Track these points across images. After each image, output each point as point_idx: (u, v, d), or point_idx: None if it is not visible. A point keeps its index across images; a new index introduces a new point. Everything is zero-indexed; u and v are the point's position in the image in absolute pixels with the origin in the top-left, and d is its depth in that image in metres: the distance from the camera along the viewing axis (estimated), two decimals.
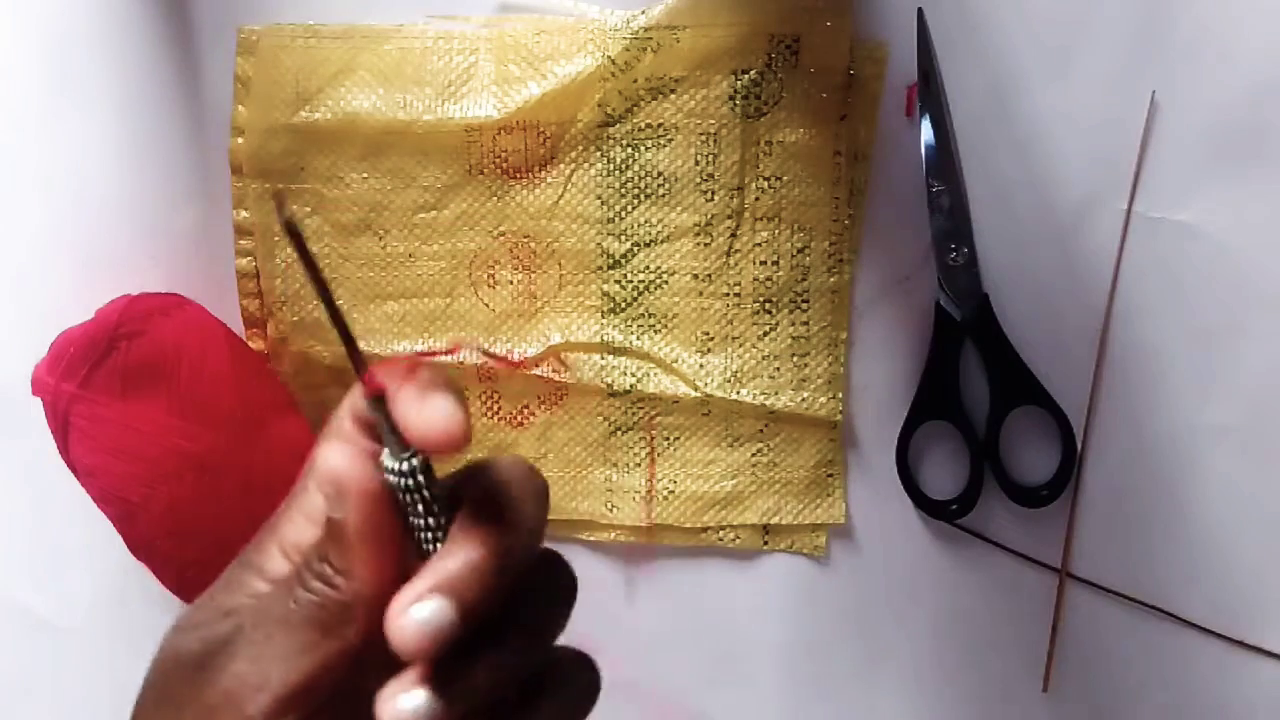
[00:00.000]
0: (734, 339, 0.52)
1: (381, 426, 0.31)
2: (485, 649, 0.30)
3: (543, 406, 0.54)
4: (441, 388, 0.31)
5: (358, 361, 0.31)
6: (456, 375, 0.53)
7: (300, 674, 0.31)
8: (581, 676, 0.33)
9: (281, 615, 0.31)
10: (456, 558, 0.30)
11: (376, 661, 0.31)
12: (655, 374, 0.53)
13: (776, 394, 0.52)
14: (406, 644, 0.29)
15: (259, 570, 0.33)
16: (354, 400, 0.33)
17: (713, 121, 0.51)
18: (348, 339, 0.31)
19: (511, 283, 0.53)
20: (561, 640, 0.33)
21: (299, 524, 0.33)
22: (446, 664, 0.30)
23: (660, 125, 0.51)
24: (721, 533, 0.54)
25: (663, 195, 0.52)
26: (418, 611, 0.29)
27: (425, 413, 0.30)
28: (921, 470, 0.53)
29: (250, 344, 0.53)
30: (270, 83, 0.52)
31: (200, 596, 0.34)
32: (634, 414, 0.53)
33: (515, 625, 0.31)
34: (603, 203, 0.52)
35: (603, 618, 0.54)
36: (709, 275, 0.52)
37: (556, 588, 0.33)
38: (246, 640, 0.31)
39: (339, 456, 0.31)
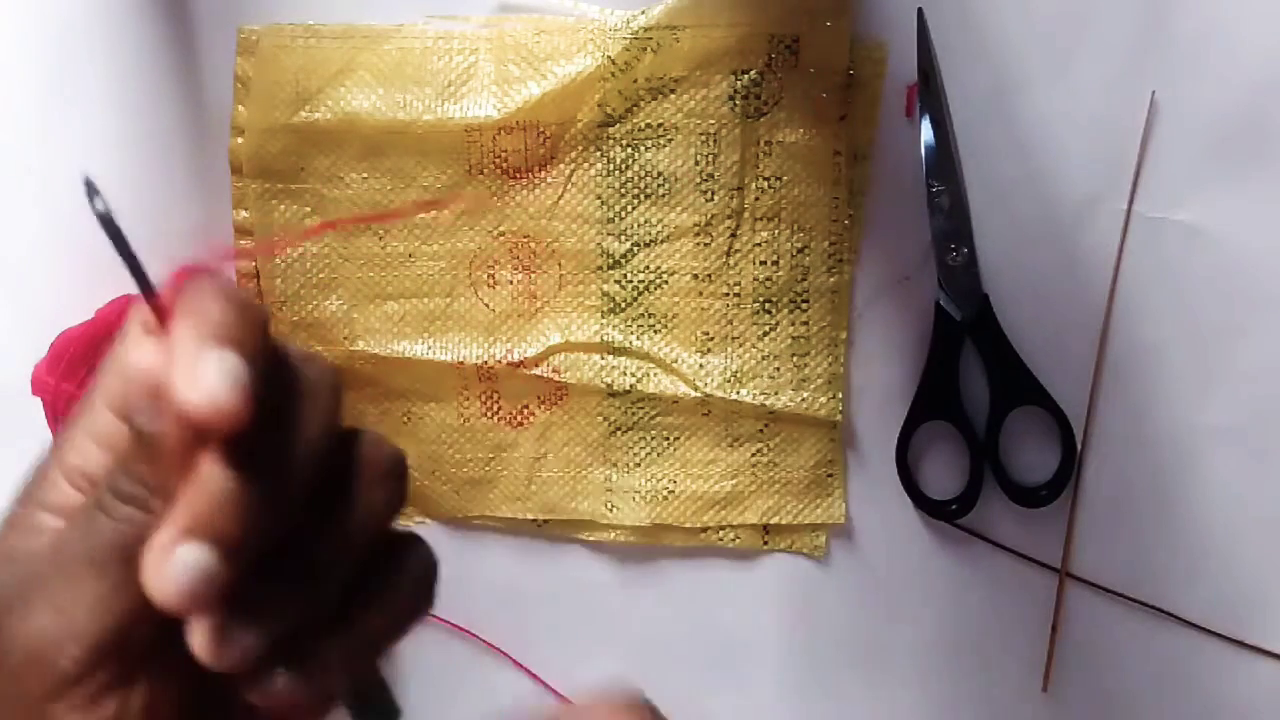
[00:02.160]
0: (734, 339, 0.52)
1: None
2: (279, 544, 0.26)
3: (543, 406, 0.54)
4: (220, 337, 0.25)
5: (143, 283, 0.27)
6: (456, 374, 0.53)
7: (114, 616, 0.27)
8: (412, 559, 0.30)
9: (84, 550, 0.27)
10: (209, 485, 0.25)
11: None
12: (655, 374, 0.53)
13: (776, 394, 0.52)
14: (170, 603, 0.25)
15: (43, 504, 0.29)
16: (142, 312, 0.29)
17: (713, 121, 0.51)
18: (133, 264, 0.27)
19: (511, 283, 0.53)
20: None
21: (85, 447, 0.29)
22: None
23: (660, 125, 0.51)
24: (721, 533, 0.54)
25: (663, 195, 0.52)
26: (172, 568, 0.25)
27: (196, 377, 0.25)
28: (921, 470, 0.53)
29: None
30: (270, 83, 0.52)
31: None
32: (634, 414, 0.53)
33: (317, 528, 0.27)
34: (603, 203, 0.52)
35: (603, 618, 0.54)
36: (709, 275, 0.52)
37: (365, 476, 0.28)
38: (44, 587, 0.27)
39: (152, 355, 0.27)
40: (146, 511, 0.27)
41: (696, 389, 0.52)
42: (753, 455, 0.53)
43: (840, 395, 0.52)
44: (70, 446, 0.29)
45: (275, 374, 0.27)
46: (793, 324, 0.52)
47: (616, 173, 0.52)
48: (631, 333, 0.53)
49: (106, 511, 0.27)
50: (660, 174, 0.52)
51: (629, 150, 0.52)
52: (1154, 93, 0.50)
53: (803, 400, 0.52)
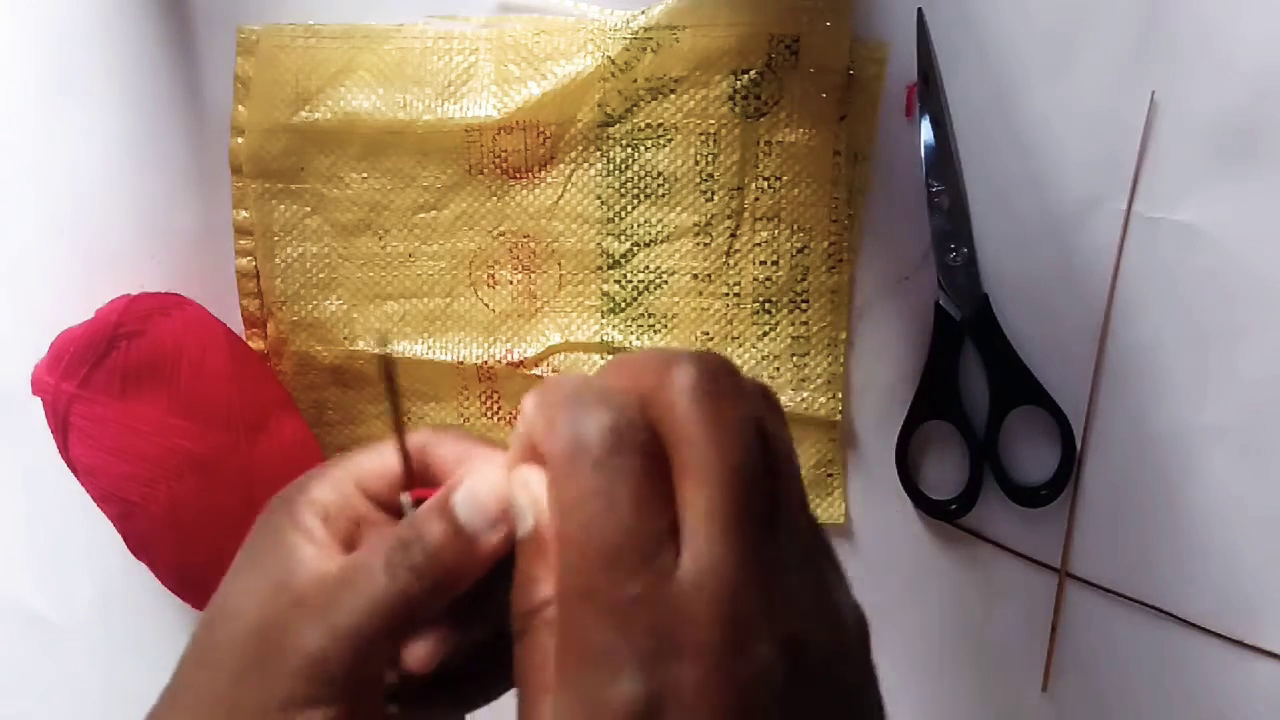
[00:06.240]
0: (734, 339, 0.52)
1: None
2: None
3: None
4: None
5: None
6: (456, 374, 0.53)
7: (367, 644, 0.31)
8: None
9: (367, 602, 0.31)
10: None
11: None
12: None
13: (776, 394, 0.52)
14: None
15: (312, 502, 0.34)
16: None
17: (713, 121, 0.51)
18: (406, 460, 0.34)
19: (511, 283, 0.53)
20: None
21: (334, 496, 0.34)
22: None
23: (660, 125, 0.51)
24: None
25: (663, 195, 0.52)
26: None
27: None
28: (921, 470, 0.53)
29: (250, 344, 0.53)
30: (270, 83, 0.52)
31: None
32: None
33: None
34: (603, 203, 0.52)
35: None
36: (709, 275, 0.52)
37: None
38: (323, 614, 0.31)
39: (497, 481, 0.32)
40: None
41: None
42: None
43: (840, 395, 0.52)
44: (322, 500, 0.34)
45: None
46: (793, 324, 0.52)
47: (616, 173, 0.52)
48: (631, 333, 0.53)
49: (391, 574, 0.31)
50: (660, 174, 0.52)
51: (629, 150, 0.52)
52: (1154, 93, 0.50)
53: (803, 400, 0.52)
